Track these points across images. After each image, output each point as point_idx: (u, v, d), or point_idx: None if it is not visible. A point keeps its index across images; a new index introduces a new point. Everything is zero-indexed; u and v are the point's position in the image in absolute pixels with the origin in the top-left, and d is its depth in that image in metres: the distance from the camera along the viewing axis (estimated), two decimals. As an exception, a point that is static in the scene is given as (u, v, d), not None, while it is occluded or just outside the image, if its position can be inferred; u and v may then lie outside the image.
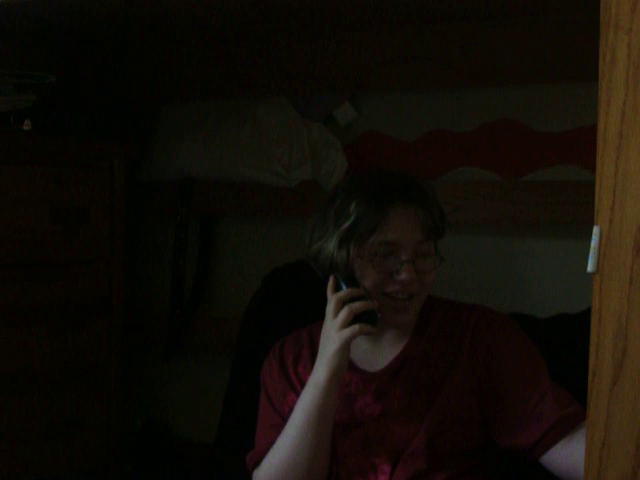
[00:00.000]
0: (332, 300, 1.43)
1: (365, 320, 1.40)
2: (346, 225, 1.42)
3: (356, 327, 1.39)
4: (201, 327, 2.43)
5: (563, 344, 1.67)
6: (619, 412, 0.96)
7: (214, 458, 1.99)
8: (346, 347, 1.40)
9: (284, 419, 1.51)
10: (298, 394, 1.51)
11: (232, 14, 1.97)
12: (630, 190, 0.94)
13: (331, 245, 1.45)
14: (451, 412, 1.44)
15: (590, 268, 0.97)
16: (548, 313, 1.81)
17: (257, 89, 2.29)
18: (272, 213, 2.30)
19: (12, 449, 2.02)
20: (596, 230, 0.96)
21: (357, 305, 1.40)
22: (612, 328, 0.96)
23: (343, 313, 1.40)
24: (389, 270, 1.43)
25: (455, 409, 1.44)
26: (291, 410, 1.49)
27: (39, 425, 2.08)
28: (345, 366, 1.42)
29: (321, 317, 1.53)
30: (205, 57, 2.34)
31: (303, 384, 1.52)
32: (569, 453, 1.34)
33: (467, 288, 1.97)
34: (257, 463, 1.53)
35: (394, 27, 2.06)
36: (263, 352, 1.65)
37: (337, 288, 1.44)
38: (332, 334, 1.40)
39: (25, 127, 2.08)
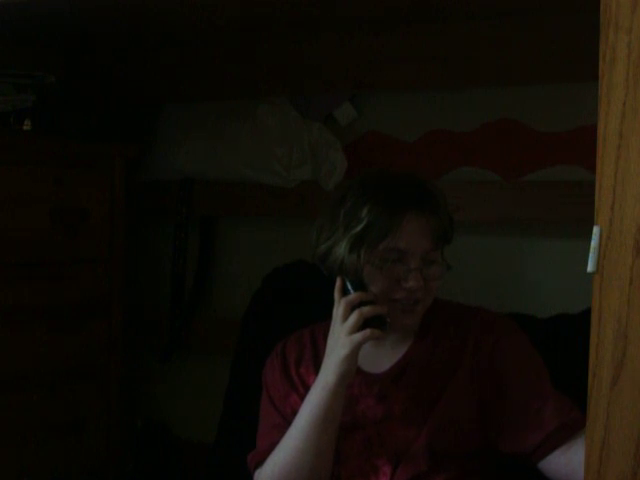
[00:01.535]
0: (341, 304, 1.42)
1: (374, 325, 1.39)
2: (357, 229, 1.41)
3: (367, 331, 1.38)
4: (201, 327, 2.43)
5: (563, 344, 1.67)
6: (619, 412, 0.96)
7: (214, 458, 1.99)
8: (356, 351, 1.39)
9: (286, 419, 1.51)
10: (300, 395, 1.51)
11: (232, 14, 1.97)
12: (630, 190, 0.94)
13: (341, 249, 1.44)
14: (452, 415, 1.44)
15: (590, 268, 0.97)
16: (548, 313, 1.81)
17: (257, 89, 2.29)
18: (272, 213, 2.30)
19: (12, 449, 2.02)
20: (596, 230, 0.96)
21: (367, 309, 1.39)
22: (612, 328, 0.96)
23: (353, 317, 1.39)
24: (396, 277, 1.42)
25: (456, 412, 1.44)
26: (293, 411, 1.50)
27: (39, 425, 2.08)
28: (354, 370, 1.41)
29: (322, 317, 1.54)
30: (205, 57, 2.34)
31: (305, 385, 1.52)
32: (567, 460, 1.34)
33: (467, 288, 1.97)
34: (259, 463, 1.53)
35: (394, 27, 2.05)
36: (263, 352, 1.65)
37: (344, 290, 1.44)
38: (342, 338, 1.39)
39: (25, 127, 2.08)
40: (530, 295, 2.00)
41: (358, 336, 1.38)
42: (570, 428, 1.35)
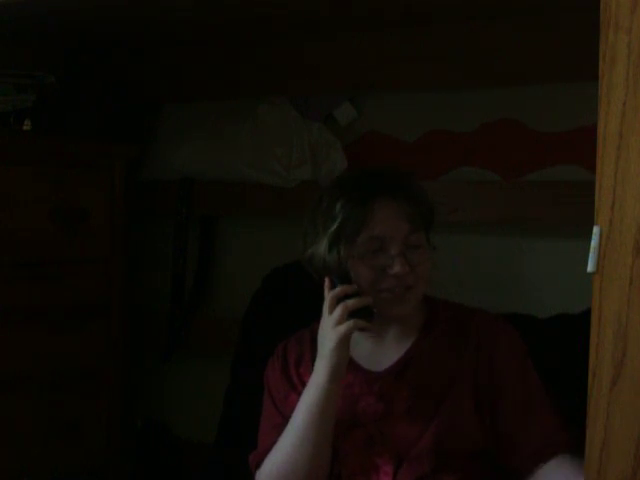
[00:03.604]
0: (327, 298, 1.43)
1: (361, 316, 1.40)
2: (334, 227, 1.43)
3: (351, 322, 1.39)
4: (201, 327, 2.43)
5: (563, 344, 1.67)
6: (619, 412, 0.96)
7: (214, 458, 1.99)
8: (343, 343, 1.40)
9: (286, 420, 1.51)
10: (300, 395, 1.51)
11: (232, 15, 1.97)
12: (630, 190, 0.94)
13: (321, 249, 1.45)
14: (458, 414, 1.44)
15: (590, 268, 0.97)
16: (548, 313, 1.81)
17: (257, 89, 2.29)
18: (272, 213, 2.30)
19: (12, 449, 2.02)
20: (596, 230, 0.96)
21: (351, 302, 1.40)
22: (612, 328, 0.96)
23: (338, 310, 1.40)
24: (381, 266, 1.43)
25: (462, 411, 1.44)
26: (293, 411, 1.49)
27: (39, 425, 2.08)
28: (345, 363, 1.42)
29: (321, 317, 1.54)
30: (205, 57, 2.35)
31: (305, 385, 1.52)
32: None
33: (467, 288, 1.97)
34: (260, 463, 1.53)
35: (394, 27, 2.05)
36: (263, 352, 1.65)
37: (333, 288, 1.44)
38: (328, 332, 1.41)
39: (25, 127, 2.08)
40: (530, 295, 1.99)
41: (342, 327, 1.39)
42: (548, 453, 1.38)
